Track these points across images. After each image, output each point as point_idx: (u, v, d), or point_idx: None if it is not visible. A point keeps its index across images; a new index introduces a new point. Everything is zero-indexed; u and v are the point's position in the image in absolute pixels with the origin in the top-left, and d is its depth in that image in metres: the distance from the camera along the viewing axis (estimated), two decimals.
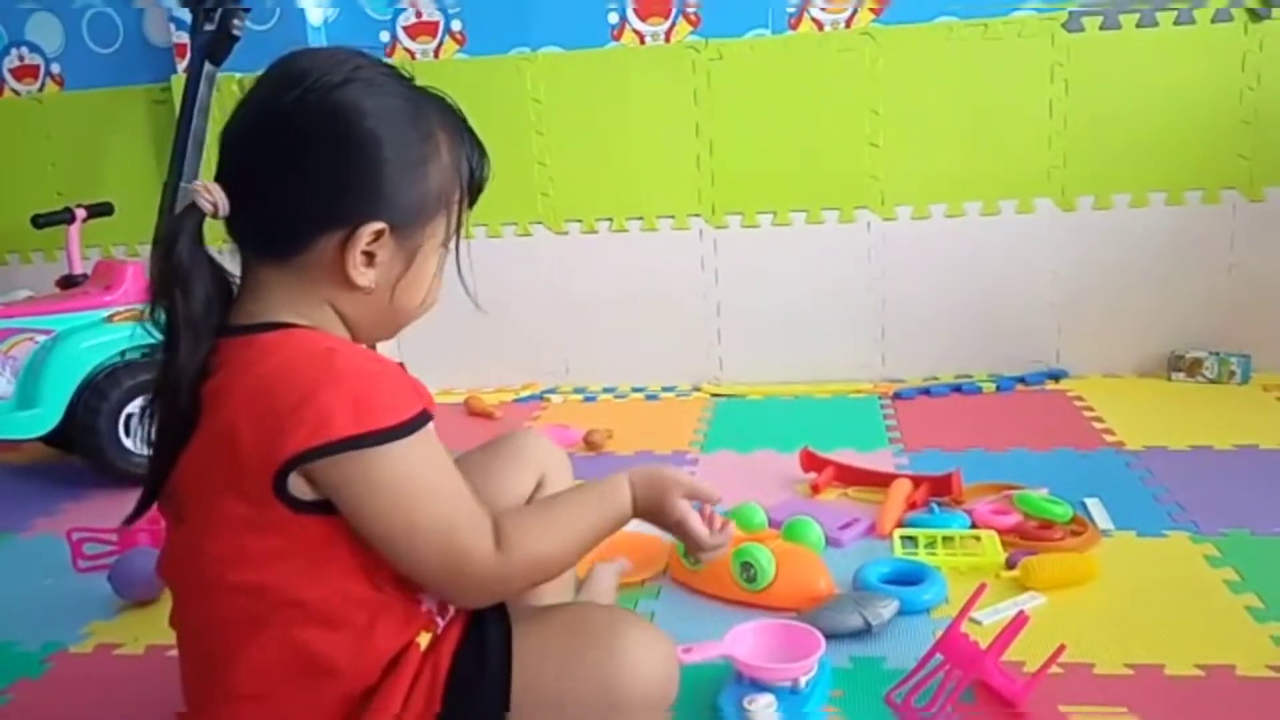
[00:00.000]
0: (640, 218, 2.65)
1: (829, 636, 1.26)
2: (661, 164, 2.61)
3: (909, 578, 1.47)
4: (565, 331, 2.70)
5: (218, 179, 0.91)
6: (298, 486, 0.85)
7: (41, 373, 2.08)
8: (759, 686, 1.19)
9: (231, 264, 0.96)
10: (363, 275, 0.91)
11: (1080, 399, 2.37)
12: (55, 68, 2.84)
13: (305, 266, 0.91)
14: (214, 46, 2.30)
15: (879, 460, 2.02)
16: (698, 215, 2.63)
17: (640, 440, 2.24)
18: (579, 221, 2.66)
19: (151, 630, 1.51)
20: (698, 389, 2.67)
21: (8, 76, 2.87)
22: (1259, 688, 1.20)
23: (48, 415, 2.07)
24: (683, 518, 1.04)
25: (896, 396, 2.48)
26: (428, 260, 0.96)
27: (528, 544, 0.93)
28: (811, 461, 1.96)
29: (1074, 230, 2.49)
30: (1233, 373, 2.41)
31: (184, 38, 2.60)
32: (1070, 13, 2.39)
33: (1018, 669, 1.22)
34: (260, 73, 0.94)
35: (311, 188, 0.90)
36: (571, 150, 2.60)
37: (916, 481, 1.80)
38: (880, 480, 1.85)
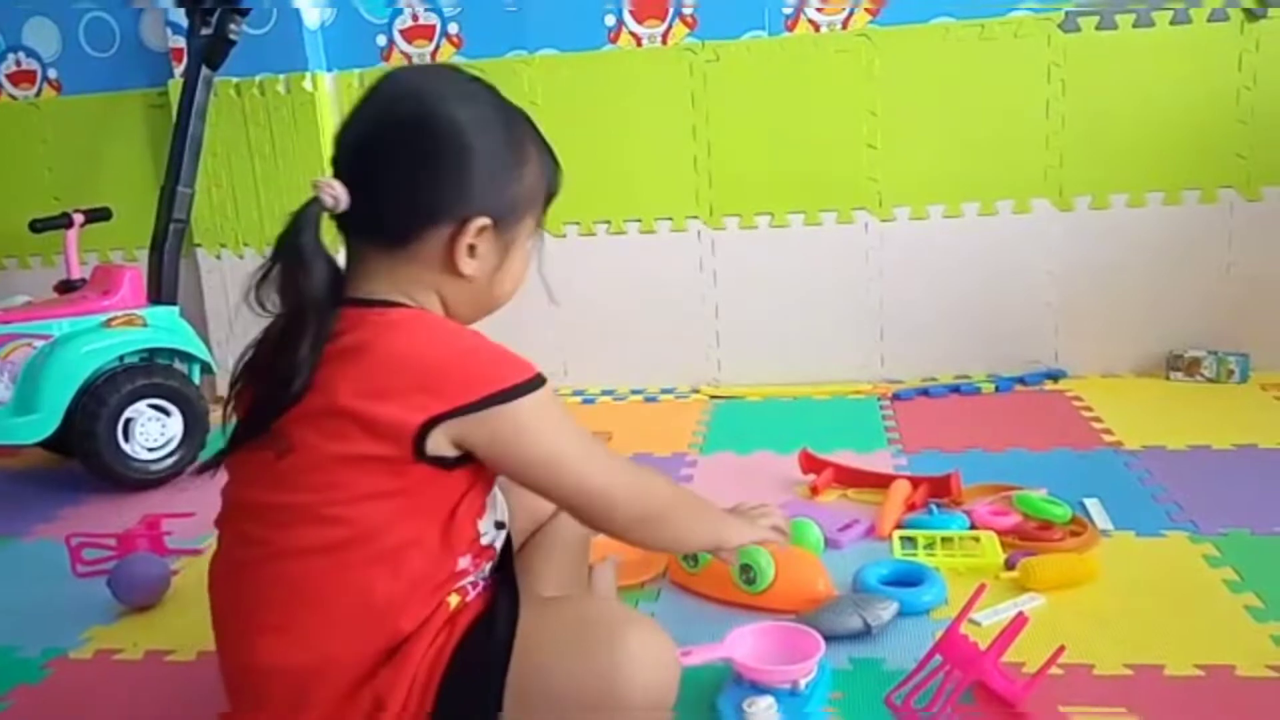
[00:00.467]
0: (638, 220, 2.66)
1: (829, 639, 1.25)
2: (659, 166, 2.61)
3: (908, 579, 1.47)
4: (563, 334, 2.70)
5: (336, 177, 1.01)
6: (437, 441, 0.95)
7: (40, 378, 2.07)
8: (758, 689, 1.19)
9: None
10: (468, 265, 1.03)
11: (1079, 399, 2.37)
12: (52, 72, 2.84)
13: (416, 255, 1.02)
14: (211, 51, 2.31)
15: (878, 461, 2.02)
16: (695, 217, 2.63)
17: (639, 442, 2.23)
18: (576, 224, 2.67)
19: (151, 636, 1.51)
20: (696, 391, 2.67)
21: (5, 81, 2.87)
22: (1259, 687, 1.20)
23: (46, 420, 2.07)
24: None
25: (895, 397, 2.48)
26: (520, 253, 1.09)
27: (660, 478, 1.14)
28: (810, 463, 1.96)
29: (1072, 230, 2.50)
30: (1231, 372, 2.41)
31: (181, 42, 2.60)
32: (1066, 13, 2.39)
33: (1017, 670, 1.22)
34: (370, 76, 0.99)
35: (426, 187, 1.01)
36: (569, 153, 2.53)
37: (915, 482, 1.80)
38: (879, 481, 1.85)
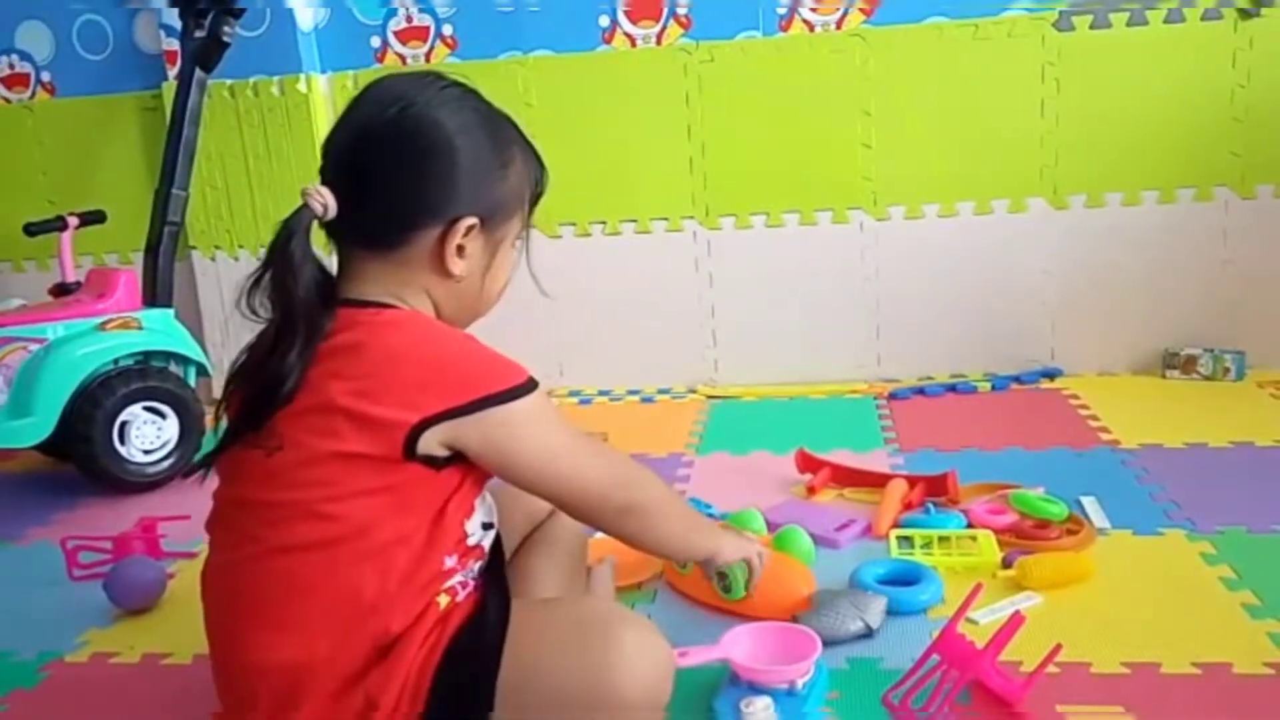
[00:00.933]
0: (634, 220, 2.66)
1: (829, 643, 1.25)
2: (654, 167, 2.61)
3: (905, 578, 1.46)
4: (559, 335, 2.69)
5: (324, 184, 1.02)
6: (428, 441, 0.96)
7: (35, 381, 2.07)
8: (756, 689, 1.19)
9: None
10: (457, 265, 1.05)
11: (1075, 397, 2.37)
12: (46, 75, 2.84)
13: (406, 258, 1.04)
14: (204, 53, 2.30)
15: (875, 460, 2.02)
16: (691, 217, 2.63)
17: (636, 443, 2.23)
18: (572, 225, 2.66)
19: (148, 639, 1.51)
20: (693, 391, 2.67)
21: None
22: (1256, 685, 1.20)
23: (42, 424, 2.06)
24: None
25: (892, 396, 2.48)
26: (508, 253, 1.12)
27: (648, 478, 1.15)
28: (807, 462, 1.96)
29: (1067, 229, 2.50)
30: (1227, 369, 2.41)
31: (175, 44, 2.60)
32: (1060, 12, 2.39)
33: (1015, 669, 1.22)
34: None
35: (414, 189, 1.03)
36: (564, 154, 2.56)
37: (912, 481, 1.80)
38: (876, 480, 1.85)
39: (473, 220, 1.04)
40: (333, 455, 0.96)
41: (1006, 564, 1.50)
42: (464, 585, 1.05)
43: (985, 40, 2.43)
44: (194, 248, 2.78)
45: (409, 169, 1.02)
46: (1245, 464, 1.92)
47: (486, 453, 1.01)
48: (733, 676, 1.22)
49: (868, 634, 1.34)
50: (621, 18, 2.56)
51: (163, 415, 2.18)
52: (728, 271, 2.65)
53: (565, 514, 1.18)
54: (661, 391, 2.68)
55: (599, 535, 1.26)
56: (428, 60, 2.65)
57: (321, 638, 0.97)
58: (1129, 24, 2.38)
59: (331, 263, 1.07)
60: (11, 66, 2.85)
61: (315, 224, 1.02)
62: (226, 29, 2.28)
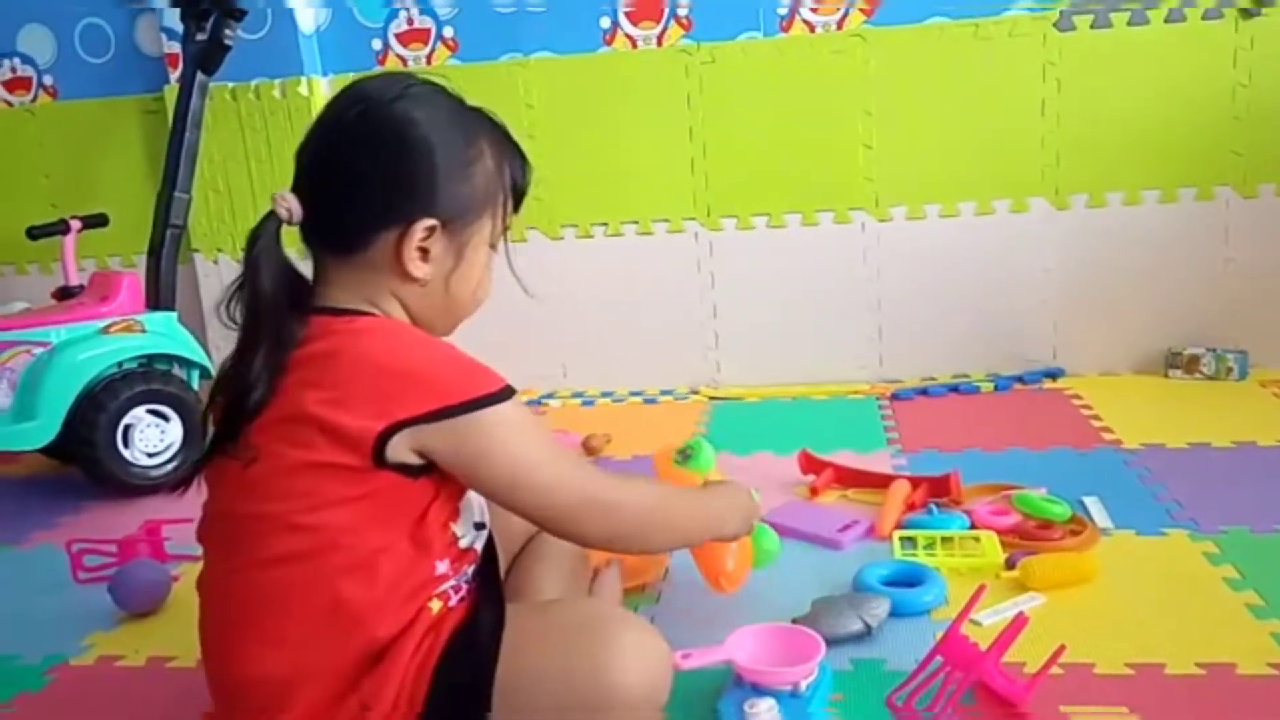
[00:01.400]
0: (635, 221, 2.66)
1: (830, 642, 1.26)
2: (656, 168, 2.61)
3: (909, 579, 1.47)
4: (562, 336, 2.70)
5: (293, 190, 1.03)
6: (397, 448, 0.95)
7: (39, 385, 2.07)
8: (759, 691, 1.19)
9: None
10: (418, 268, 1.02)
11: (1078, 397, 2.37)
12: (48, 78, 2.84)
13: (369, 261, 1.02)
14: (206, 56, 2.31)
15: (877, 461, 2.02)
16: (693, 219, 2.63)
17: (639, 444, 2.23)
18: (574, 226, 2.66)
19: (153, 642, 1.51)
20: (695, 392, 2.67)
21: (0, 88, 2.87)
22: (1260, 686, 1.20)
23: (46, 427, 2.07)
24: None
25: (894, 397, 2.48)
26: (476, 255, 1.07)
27: (638, 486, 1.13)
28: (810, 463, 1.96)
29: (1068, 229, 2.50)
30: (1230, 369, 2.41)
31: (176, 47, 2.60)
32: (1061, 12, 2.39)
33: (1018, 670, 1.22)
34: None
35: (371, 189, 1.01)
36: (566, 155, 2.59)
37: (915, 482, 1.80)
38: (879, 481, 1.85)
39: (432, 221, 1.01)
40: (307, 465, 0.95)
41: (1010, 565, 1.50)
42: (456, 590, 1.05)
43: (986, 40, 2.43)
44: (196, 250, 2.79)
45: (364, 170, 1.01)
46: (1249, 464, 1.91)
47: (458, 463, 0.98)
48: (736, 678, 1.22)
49: (866, 632, 1.34)
50: (622, 19, 2.56)
51: (166, 418, 2.18)
52: (729, 272, 2.65)
53: (547, 533, 1.14)
54: (664, 393, 2.68)
55: None
56: (429, 62, 2.65)
57: (309, 649, 0.97)
58: (1130, 23, 2.38)
59: (308, 269, 1.07)
60: (14, 70, 2.85)
61: (296, 230, 1.02)
62: (228, 31, 2.29)
